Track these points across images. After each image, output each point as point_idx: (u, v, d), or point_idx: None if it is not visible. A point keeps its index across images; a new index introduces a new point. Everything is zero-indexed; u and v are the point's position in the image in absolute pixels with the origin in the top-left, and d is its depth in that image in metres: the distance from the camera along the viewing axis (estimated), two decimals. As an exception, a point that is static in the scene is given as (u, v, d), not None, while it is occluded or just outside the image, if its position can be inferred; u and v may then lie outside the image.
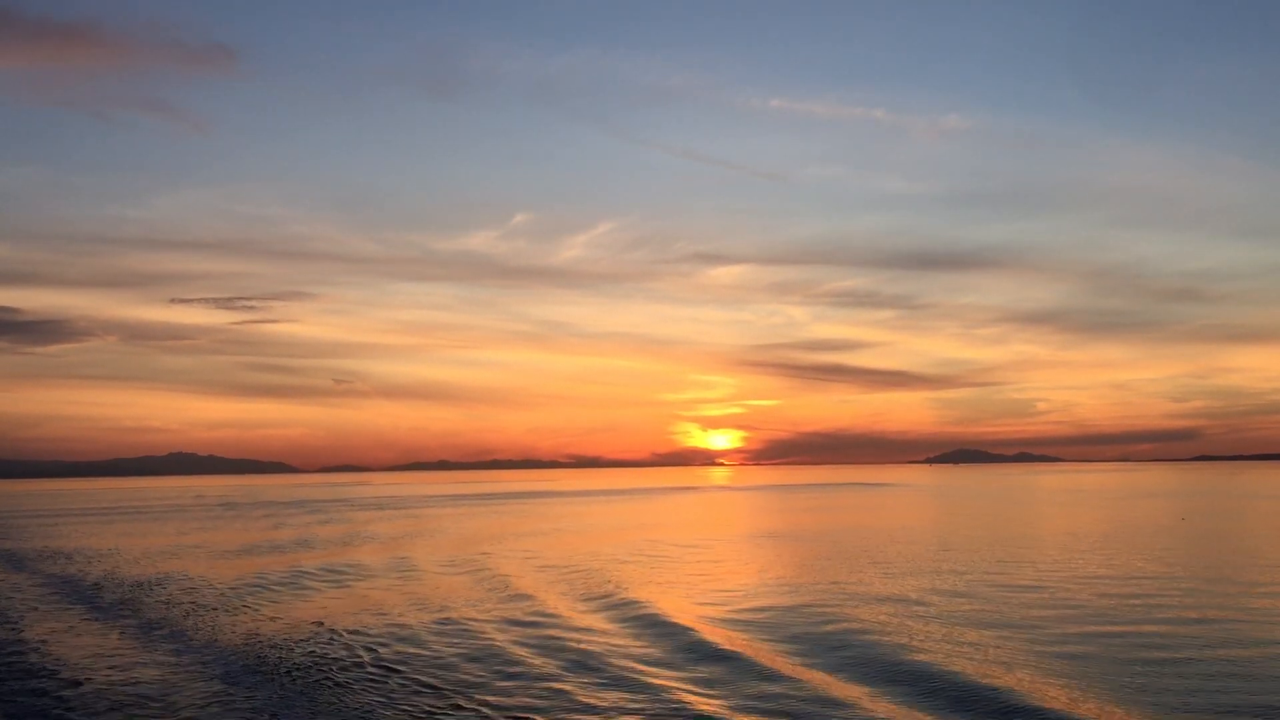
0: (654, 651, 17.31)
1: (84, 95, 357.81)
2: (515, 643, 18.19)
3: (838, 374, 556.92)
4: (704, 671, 15.64)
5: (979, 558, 31.88)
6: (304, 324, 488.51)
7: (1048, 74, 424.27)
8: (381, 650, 17.58)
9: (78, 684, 15.46)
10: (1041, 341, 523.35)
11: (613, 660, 16.57)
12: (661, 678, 15.30)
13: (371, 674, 15.74)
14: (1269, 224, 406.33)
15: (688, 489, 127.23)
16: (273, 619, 21.33)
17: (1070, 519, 52.07)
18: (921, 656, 16.39)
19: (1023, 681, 14.51)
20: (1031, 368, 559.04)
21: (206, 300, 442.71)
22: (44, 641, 19.21)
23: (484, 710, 13.47)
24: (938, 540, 39.22)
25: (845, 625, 19.44)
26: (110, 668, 16.62)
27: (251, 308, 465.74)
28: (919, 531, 44.55)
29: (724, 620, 20.40)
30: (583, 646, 17.79)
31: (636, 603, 22.81)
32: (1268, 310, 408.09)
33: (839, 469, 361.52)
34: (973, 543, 37.62)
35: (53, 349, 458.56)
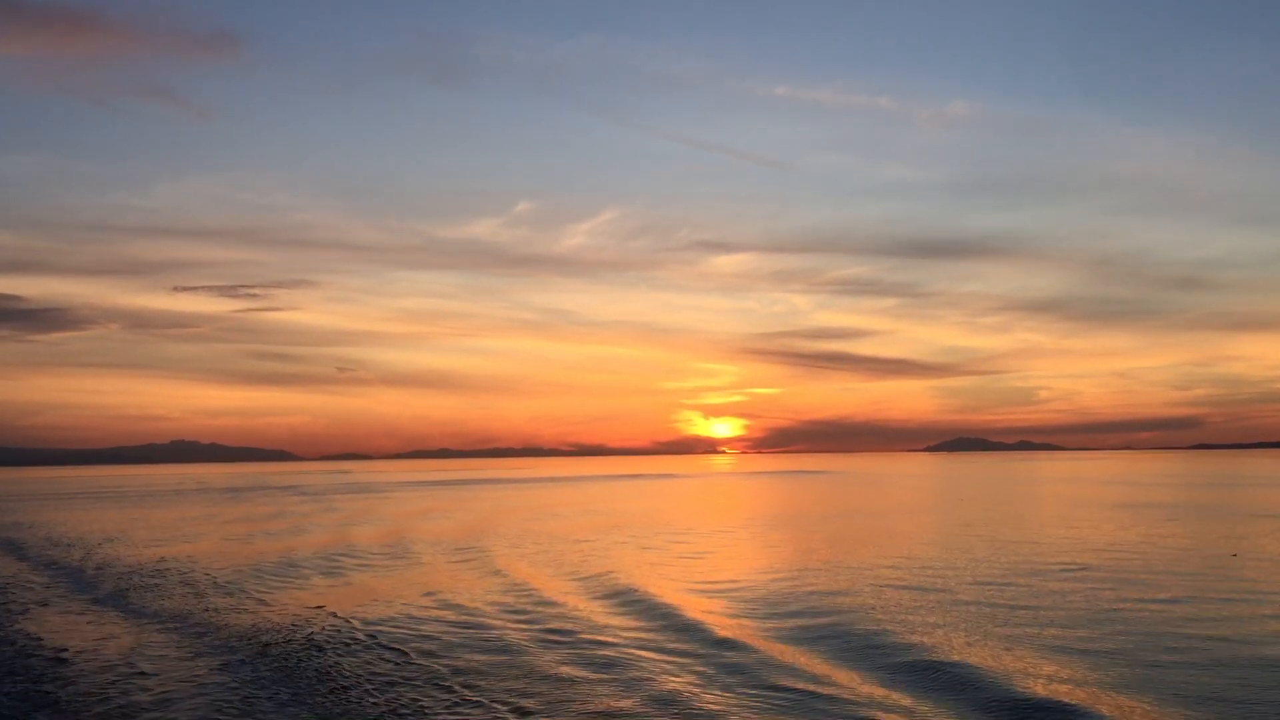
0: (639, 630, 17.69)
1: (87, 83, 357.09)
2: (508, 626, 18.33)
3: (840, 362, 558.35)
4: (668, 641, 16.15)
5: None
6: (307, 312, 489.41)
7: (1052, 62, 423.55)
8: (379, 635, 17.67)
9: (74, 674, 15.41)
10: (1044, 330, 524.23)
11: (603, 642, 16.67)
12: (646, 653, 15.54)
13: (369, 662, 15.76)
14: (1272, 212, 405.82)
15: (662, 477, 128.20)
16: (271, 605, 21.42)
17: (854, 501, 59.34)
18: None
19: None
20: (1034, 356, 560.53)
21: (209, 288, 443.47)
22: (41, 630, 19.15)
23: (481, 696, 13.53)
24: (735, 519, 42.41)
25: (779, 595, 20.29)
26: (108, 657, 16.58)
27: (254, 295, 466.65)
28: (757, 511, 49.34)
29: (687, 591, 21.18)
30: (573, 628, 18.10)
31: (623, 585, 23.30)
32: (1271, 298, 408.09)
33: (838, 457, 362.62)
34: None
35: (56, 337, 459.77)
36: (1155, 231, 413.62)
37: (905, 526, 39.31)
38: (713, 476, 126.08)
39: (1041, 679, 13.53)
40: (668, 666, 14.85)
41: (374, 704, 13.19)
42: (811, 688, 13.36)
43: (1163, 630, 16.83)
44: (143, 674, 15.17)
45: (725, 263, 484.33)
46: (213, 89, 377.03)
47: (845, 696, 12.90)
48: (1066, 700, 12.39)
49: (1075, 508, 49.86)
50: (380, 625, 18.54)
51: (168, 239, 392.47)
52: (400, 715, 12.68)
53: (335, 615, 19.71)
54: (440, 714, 12.66)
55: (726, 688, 13.58)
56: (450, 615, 19.62)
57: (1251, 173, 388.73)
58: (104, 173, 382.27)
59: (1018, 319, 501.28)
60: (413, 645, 16.74)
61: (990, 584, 22.42)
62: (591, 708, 12.74)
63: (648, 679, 14.08)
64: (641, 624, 18.40)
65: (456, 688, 13.89)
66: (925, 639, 16.25)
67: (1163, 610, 18.72)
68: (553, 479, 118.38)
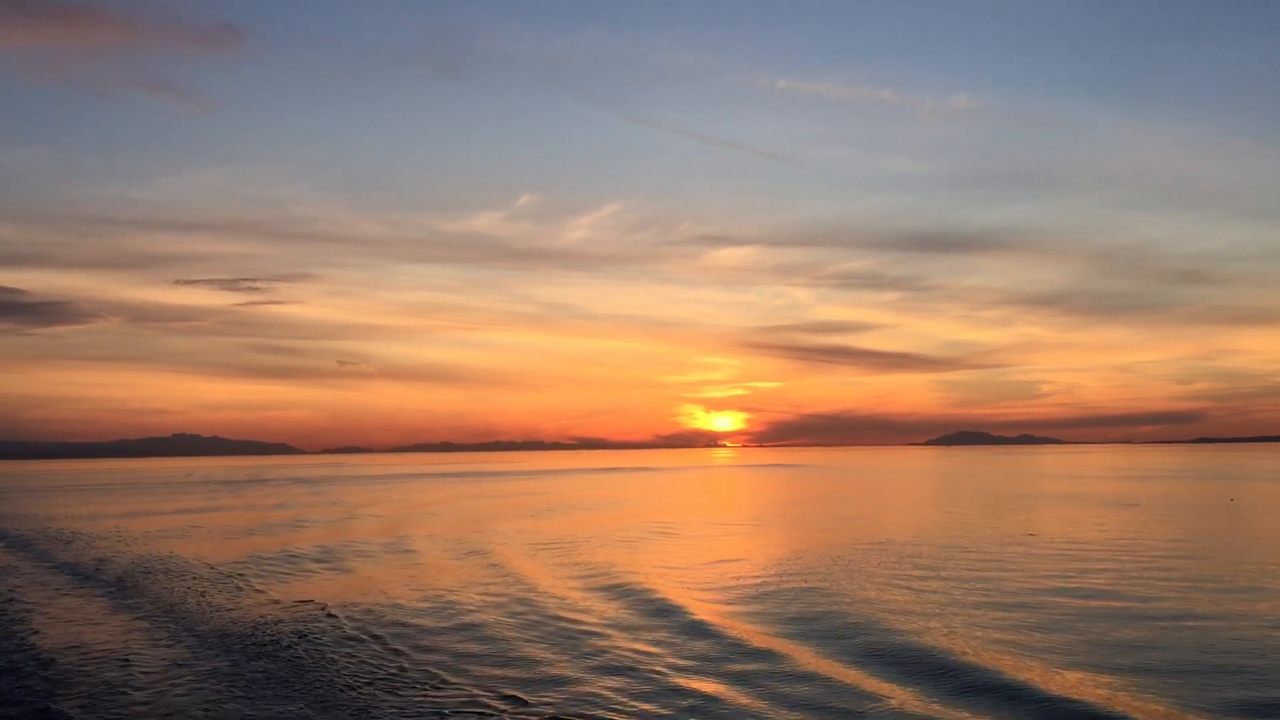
0: (631, 620, 19.12)
1: (89, 75, 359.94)
2: (496, 615, 19.43)
3: (842, 356, 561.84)
4: (649, 628, 18.18)
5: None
6: (308, 305, 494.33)
7: (1055, 55, 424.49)
8: (372, 626, 18.31)
9: (68, 666, 15.58)
10: (1046, 323, 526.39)
11: (598, 632, 17.87)
12: (639, 644, 17.22)
13: (366, 655, 16.12)
14: (1275, 206, 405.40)
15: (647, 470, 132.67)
16: (268, 596, 22.18)
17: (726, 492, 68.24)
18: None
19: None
20: (1036, 350, 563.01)
21: (211, 281, 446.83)
22: (37, 622, 19.49)
23: (478, 690, 13.90)
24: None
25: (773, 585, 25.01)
26: (103, 647, 16.92)
27: (256, 289, 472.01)
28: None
29: (660, 576, 24.65)
30: (564, 615, 19.44)
31: (604, 572, 25.71)
32: (1273, 292, 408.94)
33: (838, 451, 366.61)
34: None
35: (57, 330, 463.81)
36: (1157, 225, 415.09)
37: (804, 514, 45.37)
38: (701, 470, 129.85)
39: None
40: (642, 646, 16.49)
41: (365, 694, 13.54)
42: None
43: (917, 583, 22.61)
44: (137, 664, 15.46)
45: (727, 256, 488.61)
46: (214, 82, 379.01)
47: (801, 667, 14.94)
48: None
49: (970, 498, 55.24)
50: (375, 617, 19.13)
51: (169, 232, 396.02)
52: (388, 703, 13.11)
53: (330, 605, 20.46)
54: (427, 700, 13.23)
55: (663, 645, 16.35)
56: (441, 604, 20.55)
57: (1254, 166, 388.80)
58: (105, 166, 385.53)
59: (1019, 313, 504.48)
60: (405, 635, 17.38)
61: (806, 558, 27.99)
62: (573, 692, 13.60)
63: (624, 663, 15.29)
64: (622, 608, 20.27)
65: (446, 675, 14.50)
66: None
67: (908, 562, 24.64)
68: (543, 472, 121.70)
